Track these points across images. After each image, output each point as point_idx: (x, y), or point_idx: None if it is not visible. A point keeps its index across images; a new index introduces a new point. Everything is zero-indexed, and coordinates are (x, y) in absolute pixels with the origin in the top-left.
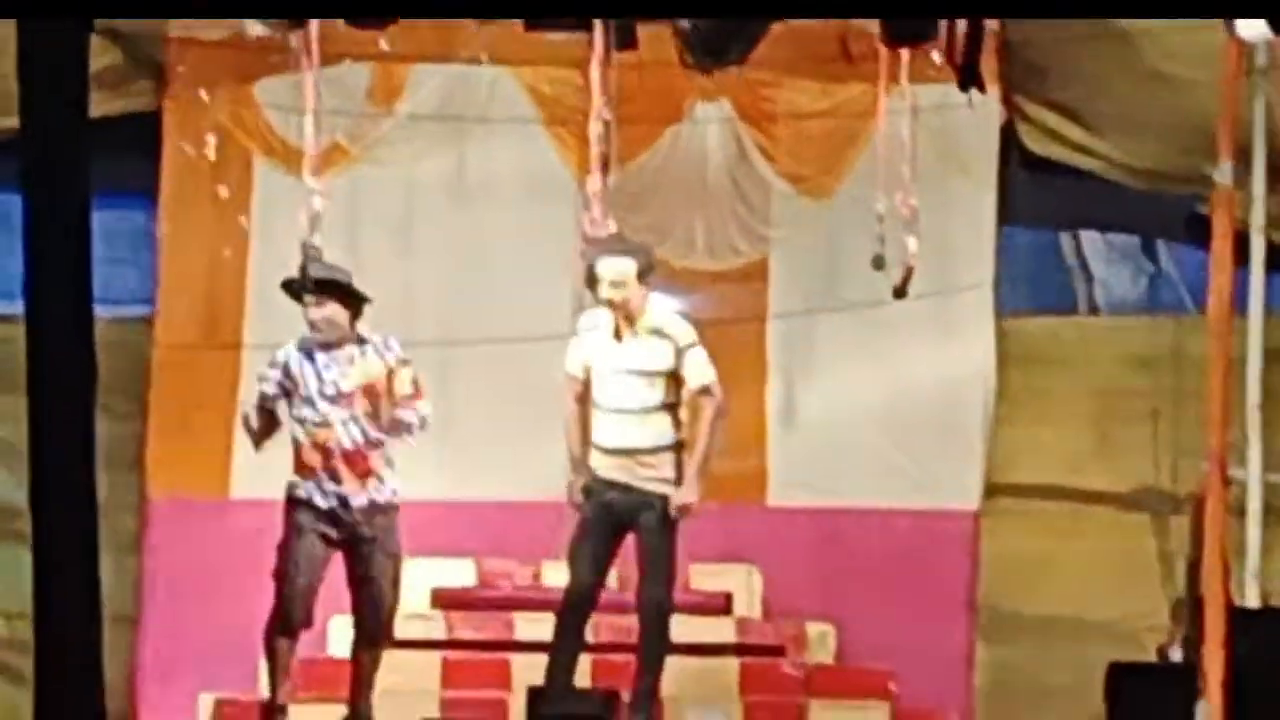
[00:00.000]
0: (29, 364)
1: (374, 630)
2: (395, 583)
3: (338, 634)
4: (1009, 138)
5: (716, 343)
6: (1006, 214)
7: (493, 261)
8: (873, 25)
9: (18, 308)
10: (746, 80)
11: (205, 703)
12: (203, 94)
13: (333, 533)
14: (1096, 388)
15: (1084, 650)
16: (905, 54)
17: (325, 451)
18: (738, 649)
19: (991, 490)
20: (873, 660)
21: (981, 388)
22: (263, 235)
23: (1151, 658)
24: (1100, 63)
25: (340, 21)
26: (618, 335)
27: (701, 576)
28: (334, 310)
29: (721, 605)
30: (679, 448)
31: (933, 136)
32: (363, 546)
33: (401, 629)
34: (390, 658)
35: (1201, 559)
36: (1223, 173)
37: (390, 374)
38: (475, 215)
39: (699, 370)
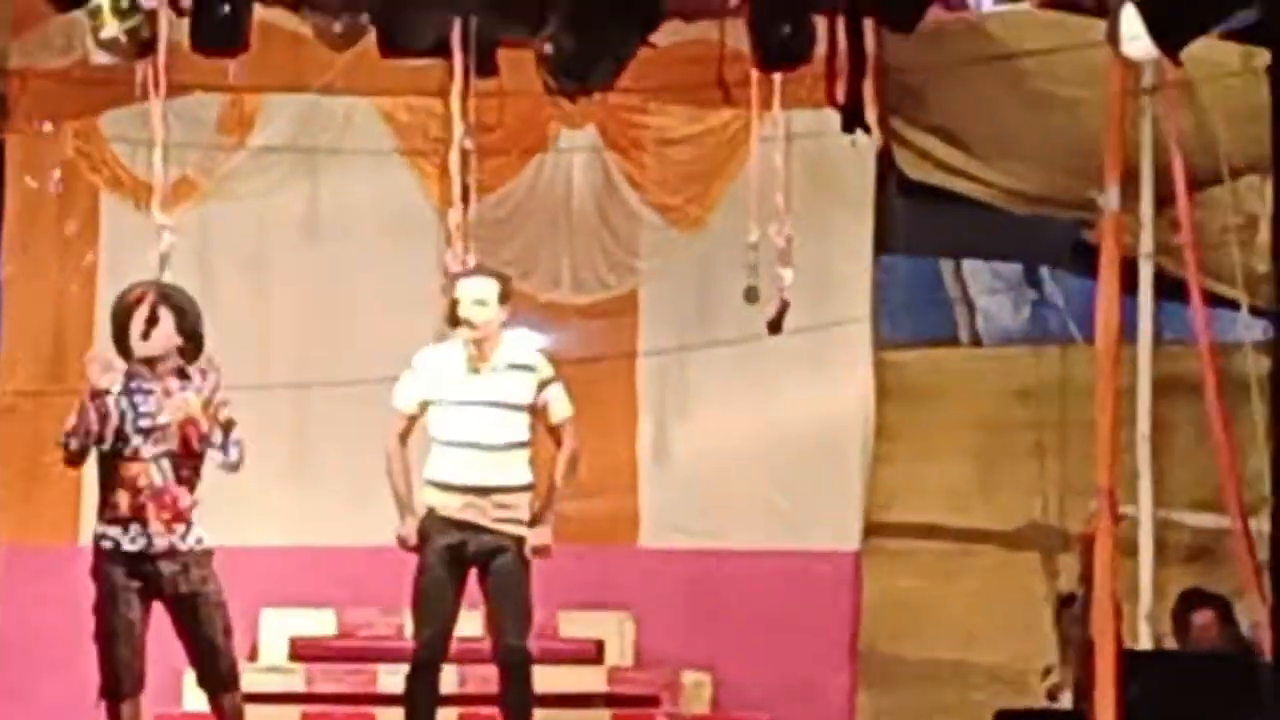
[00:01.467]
0: None
1: (218, 684)
2: (227, 632)
3: (193, 687)
4: (886, 164)
5: (585, 380)
6: (884, 243)
7: (351, 298)
8: (744, 48)
9: None
10: (612, 107)
11: None
12: (47, 126)
13: (148, 586)
14: (980, 421)
15: (970, 695)
16: (778, 78)
17: (134, 489)
18: (609, 699)
19: (871, 530)
20: (751, 709)
21: (860, 423)
22: (111, 273)
23: (1041, 703)
24: (981, 85)
25: (189, 50)
26: (474, 368)
27: (571, 623)
28: (166, 334)
29: (592, 653)
30: (533, 488)
31: (807, 164)
32: (184, 599)
33: (260, 682)
34: (248, 712)
35: (1091, 599)
36: (1109, 197)
37: (206, 408)
38: (332, 250)
39: (560, 405)
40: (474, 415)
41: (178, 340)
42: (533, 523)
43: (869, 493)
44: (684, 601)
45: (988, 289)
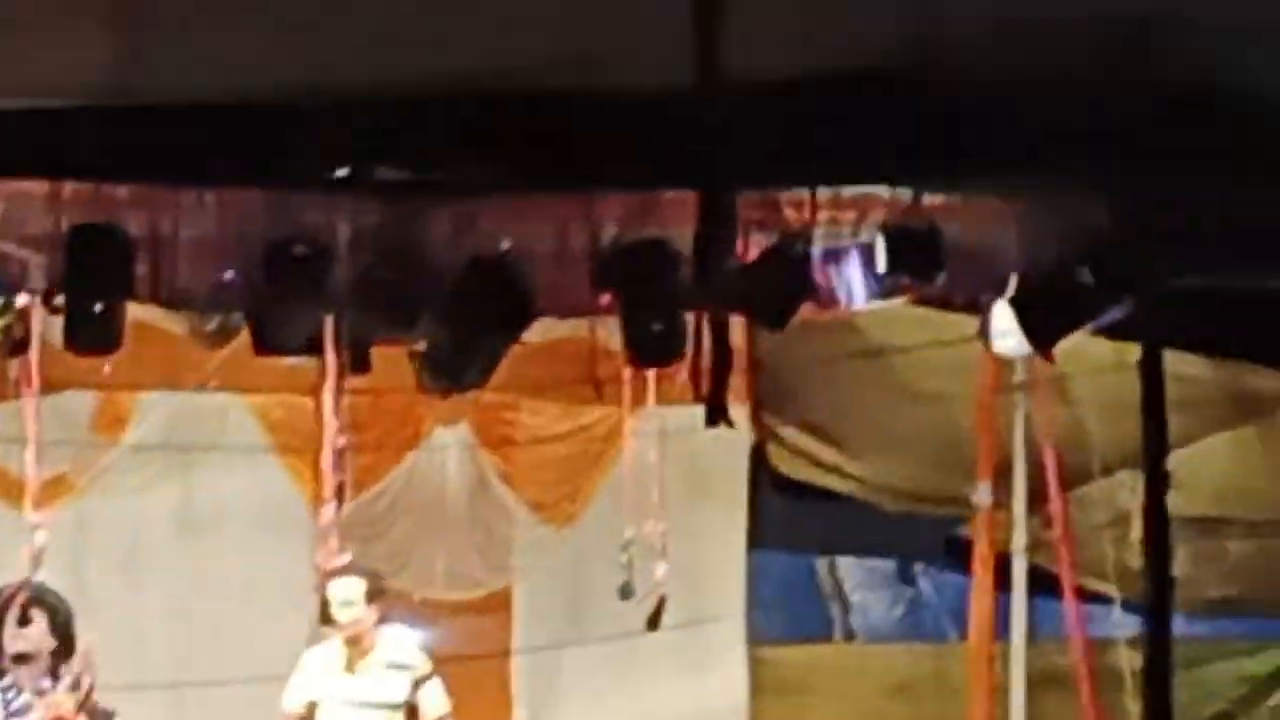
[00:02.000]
0: None
1: None
2: None
3: None
4: (759, 459)
5: (458, 678)
6: (758, 539)
7: (225, 596)
8: (617, 344)
9: None
10: (485, 404)
11: None
12: None
13: None
14: (854, 717)
15: None
16: (651, 374)
17: None
18: None
19: None
20: None
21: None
22: None
23: None
24: (853, 381)
25: (61, 348)
26: (349, 666)
27: None
28: (39, 634)
29: None
30: None
31: (681, 459)
32: None
33: None
34: None
35: None
36: (981, 493)
37: (80, 707)
38: (206, 548)
39: (435, 703)
40: (353, 715)
41: (50, 641)
42: None
43: None
44: None
45: (862, 585)
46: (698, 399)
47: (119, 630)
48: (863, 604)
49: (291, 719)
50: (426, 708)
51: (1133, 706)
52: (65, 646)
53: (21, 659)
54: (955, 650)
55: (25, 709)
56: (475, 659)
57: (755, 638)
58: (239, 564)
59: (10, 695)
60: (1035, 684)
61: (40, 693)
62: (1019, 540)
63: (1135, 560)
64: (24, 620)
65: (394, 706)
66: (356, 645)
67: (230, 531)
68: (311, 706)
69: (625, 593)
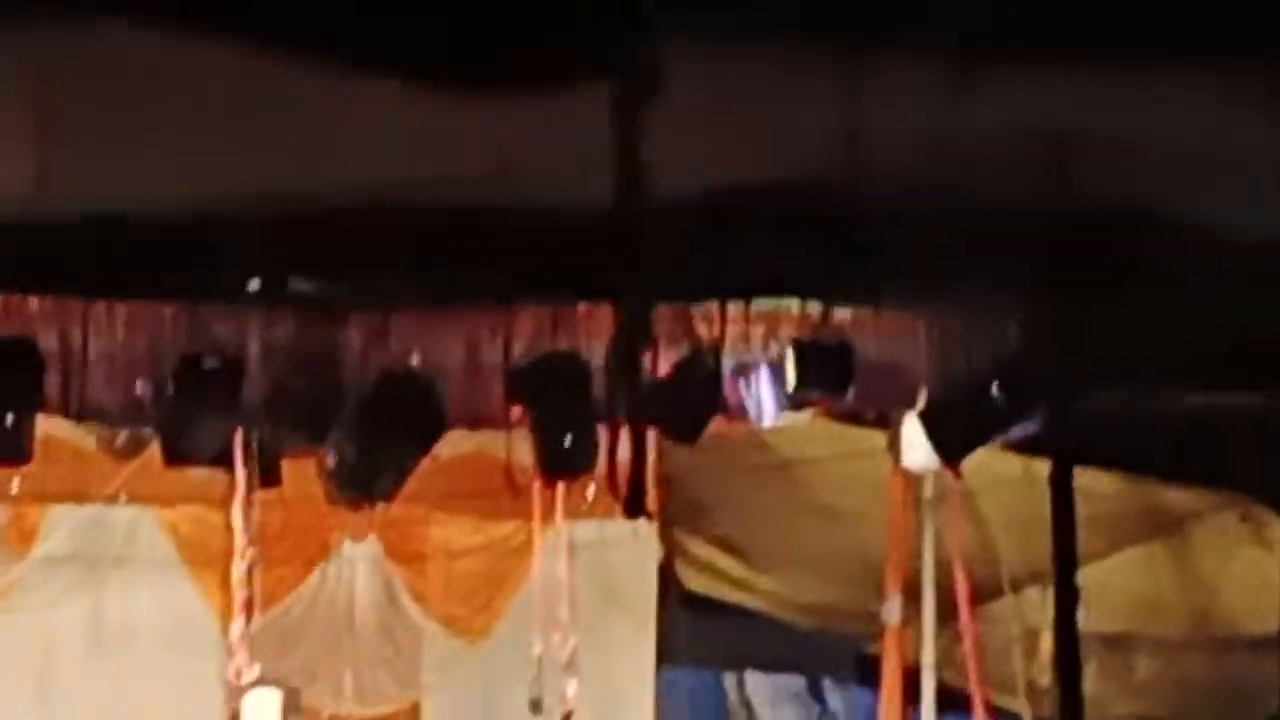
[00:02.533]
0: None
1: None
2: None
3: None
4: (667, 574)
5: None
6: (667, 654)
7: (135, 713)
8: (528, 458)
9: None
10: (395, 517)
11: None
12: None
13: None
14: None
15: None
16: (561, 488)
17: None
18: None
19: None
20: None
21: None
22: None
23: None
24: (762, 495)
25: None
26: None
27: None
28: None
29: None
30: None
31: (590, 573)
32: None
33: None
34: None
35: None
36: (891, 609)
37: None
38: (116, 663)
39: None
40: None
41: None
42: None
43: None
44: None
45: (770, 701)
46: (612, 493)
47: None
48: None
49: None
50: None
51: None
52: None
53: None
54: None
55: None
56: None
57: None
58: (149, 680)
59: None
60: None
61: None
62: (928, 655)
63: (1044, 677)
64: None
65: None
66: None
67: (140, 647)
68: None
69: (535, 708)
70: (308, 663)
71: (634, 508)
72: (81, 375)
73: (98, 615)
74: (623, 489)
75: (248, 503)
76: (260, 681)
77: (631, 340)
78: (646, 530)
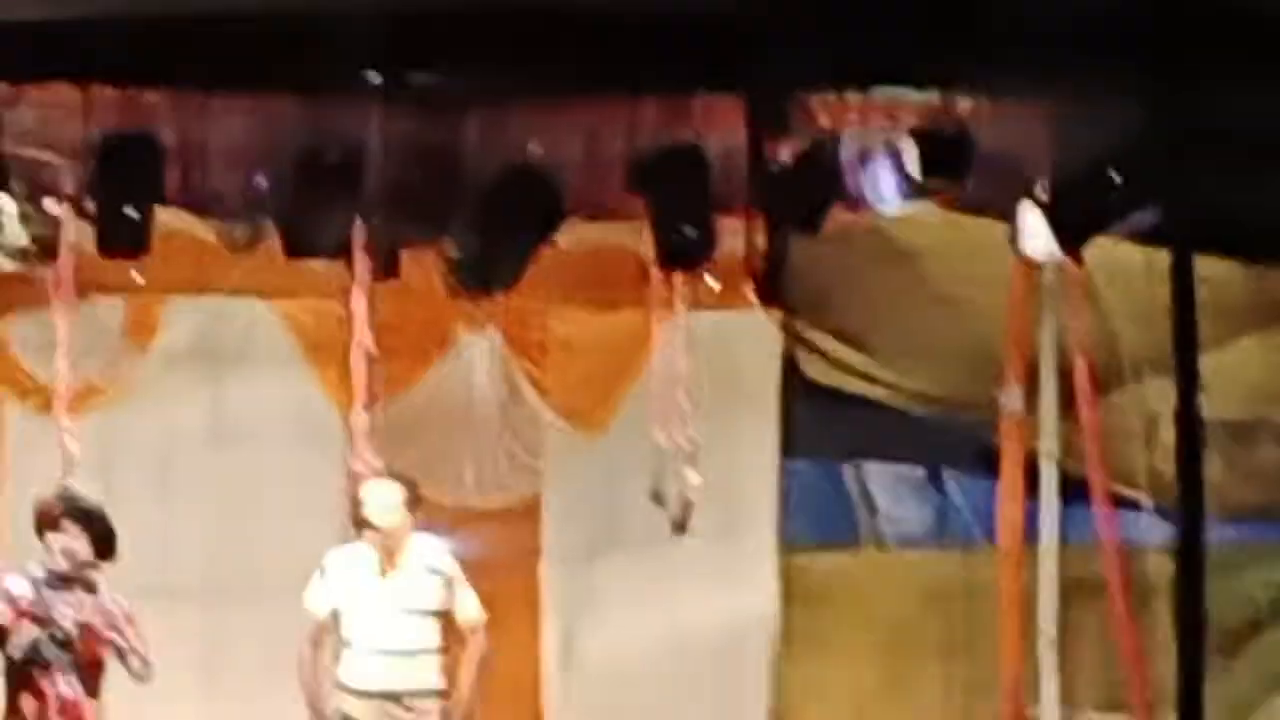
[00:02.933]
0: None
1: None
2: None
3: None
4: (789, 365)
5: (487, 585)
6: (788, 445)
7: (256, 504)
8: (648, 249)
9: None
10: (515, 308)
11: None
12: None
13: None
14: (884, 624)
15: None
16: (680, 279)
17: (41, 698)
18: None
19: None
20: None
21: (766, 627)
22: (16, 478)
23: None
24: (883, 287)
25: (93, 253)
26: (383, 571)
27: None
28: (76, 548)
29: None
30: (444, 694)
31: (711, 365)
32: None
33: None
34: None
35: None
36: (1011, 398)
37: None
38: (236, 456)
39: (469, 607)
40: (384, 620)
41: (88, 554)
42: None
43: (776, 696)
44: None
45: (891, 492)
46: (747, 274)
47: (149, 538)
48: (891, 510)
49: (315, 624)
50: (460, 613)
51: (1165, 613)
52: (103, 556)
53: (60, 574)
54: (985, 556)
55: (63, 622)
56: (504, 565)
57: (785, 544)
58: (269, 471)
59: (49, 608)
60: (1067, 590)
61: (77, 606)
62: (1049, 445)
63: (1166, 465)
64: (58, 529)
65: (429, 613)
66: (389, 551)
67: (260, 440)
68: (336, 611)
69: (657, 499)
70: (428, 455)
71: (766, 296)
72: (201, 168)
73: (217, 408)
74: (750, 279)
75: (367, 295)
76: (380, 474)
77: (758, 130)
78: (768, 321)
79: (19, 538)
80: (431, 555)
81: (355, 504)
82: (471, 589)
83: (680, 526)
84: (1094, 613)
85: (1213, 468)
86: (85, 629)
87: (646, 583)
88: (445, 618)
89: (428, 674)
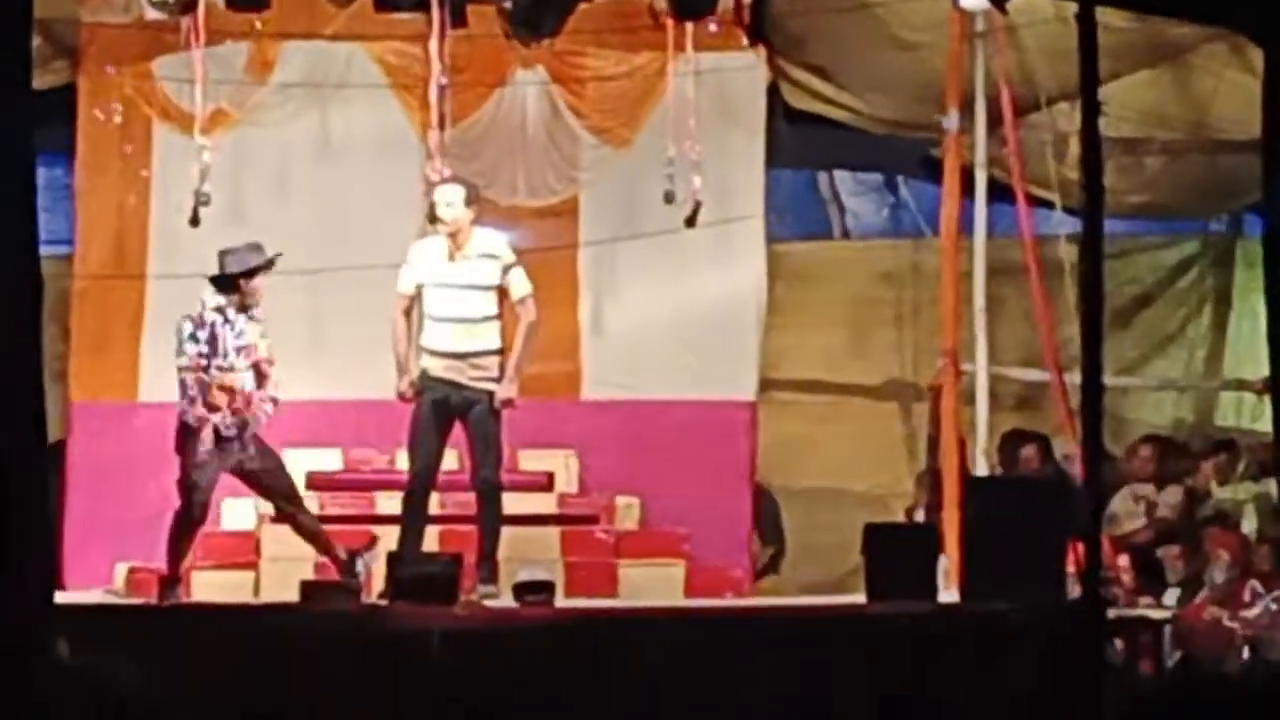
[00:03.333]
0: None
1: (282, 503)
2: (284, 467)
3: (229, 513)
4: (774, 94)
5: (536, 268)
6: (773, 157)
7: (353, 204)
8: (662, 2)
9: None
10: (558, 50)
11: (120, 571)
12: (110, 70)
13: (230, 457)
14: (850, 299)
15: (844, 515)
16: (690, 26)
17: (231, 393)
18: (558, 519)
19: (765, 385)
20: (671, 526)
21: (756, 300)
22: (161, 185)
23: (900, 519)
24: (849, 30)
25: (223, 7)
26: (451, 256)
27: (528, 460)
28: (258, 283)
29: (545, 483)
30: (501, 352)
31: (711, 95)
32: (257, 464)
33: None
34: (273, 531)
35: (940, 438)
36: (950, 120)
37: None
38: (338, 167)
39: (520, 284)
40: (454, 295)
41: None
42: (501, 380)
43: (763, 355)
44: (617, 441)
45: (855, 194)
46: (738, 25)
47: (267, 233)
48: (855, 208)
49: (404, 298)
50: (513, 289)
51: (1070, 289)
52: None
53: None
54: (930, 245)
55: (244, 336)
56: (549, 252)
57: (771, 236)
58: (365, 181)
59: (233, 322)
60: (994, 271)
61: (252, 320)
62: (980, 155)
63: (1072, 173)
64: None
65: (487, 288)
66: (456, 240)
67: (356, 154)
68: (419, 288)
69: (669, 199)
70: (488, 166)
71: (755, 36)
72: None
73: (323, 130)
74: (745, 24)
75: (441, 38)
76: (452, 179)
77: None
78: (758, 59)
79: (163, 236)
80: (490, 244)
81: (430, 204)
82: (522, 269)
83: (689, 222)
84: (1016, 289)
85: (1109, 174)
86: (256, 340)
87: (661, 266)
88: (501, 293)
89: (489, 337)
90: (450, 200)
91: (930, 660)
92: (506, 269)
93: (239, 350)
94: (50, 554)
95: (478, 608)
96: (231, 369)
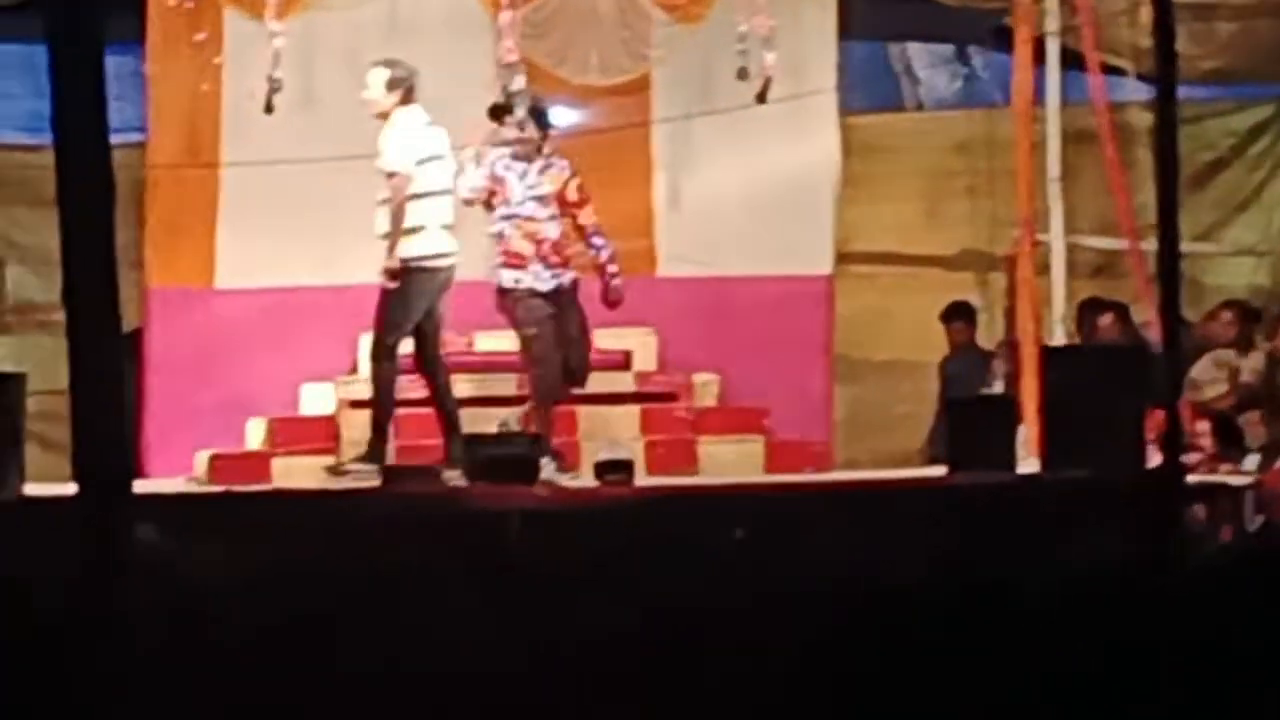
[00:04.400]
0: (60, 184)
1: (580, 372)
2: (588, 331)
3: (308, 398)
4: None
5: (610, 146)
6: (845, 30)
7: (427, 84)
8: None
9: (44, 139)
10: None
11: (201, 458)
12: None
13: (548, 307)
14: (924, 171)
15: (922, 386)
16: None
17: (537, 242)
18: (637, 397)
19: (841, 258)
20: (750, 402)
21: (830, 174)
22: (234, 72)
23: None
24: None
25: None
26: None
27: (605, 338)
28: (530, 132)
29: (622, 362)
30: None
31: None
32: (569, 312)
33: (359, 391)
34: (350, 415)
35: (1016, 308)
36: None
37: (568, 183)
38: (409, 47)
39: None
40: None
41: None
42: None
43: (837, 229)
44: (694, 318)
45: (927, 65)
46: None
47: (343, 116)
48: (928, 79)
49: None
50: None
51: (1145, 156)
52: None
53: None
54: (1003, 114)
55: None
56: (623, 130)
57: (844, 109)
58: (436, 59)
59: (520, 173)
60: (1068, 139)
61: (542, 170)
62: (1052, 24)
63: (1145, 40)
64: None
65: None
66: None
67: (429, 33)
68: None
69: (742, 75)
70: (560, 45)
71: None
72: None
73: (394, 10)
74: None
75: None
76: (521, 61)
77: None
78: None
79: (236, 123)
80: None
81: (503, 88)
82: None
83: (761, 97)
84: (1090, 157)
85: (1181, 41)
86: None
87: (735, 139)
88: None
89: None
90: (370, 83)
91: (1012, 530)
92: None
93: (538, 199)
94: (126, 444)
95: (558, 488)
96: (532, 218)
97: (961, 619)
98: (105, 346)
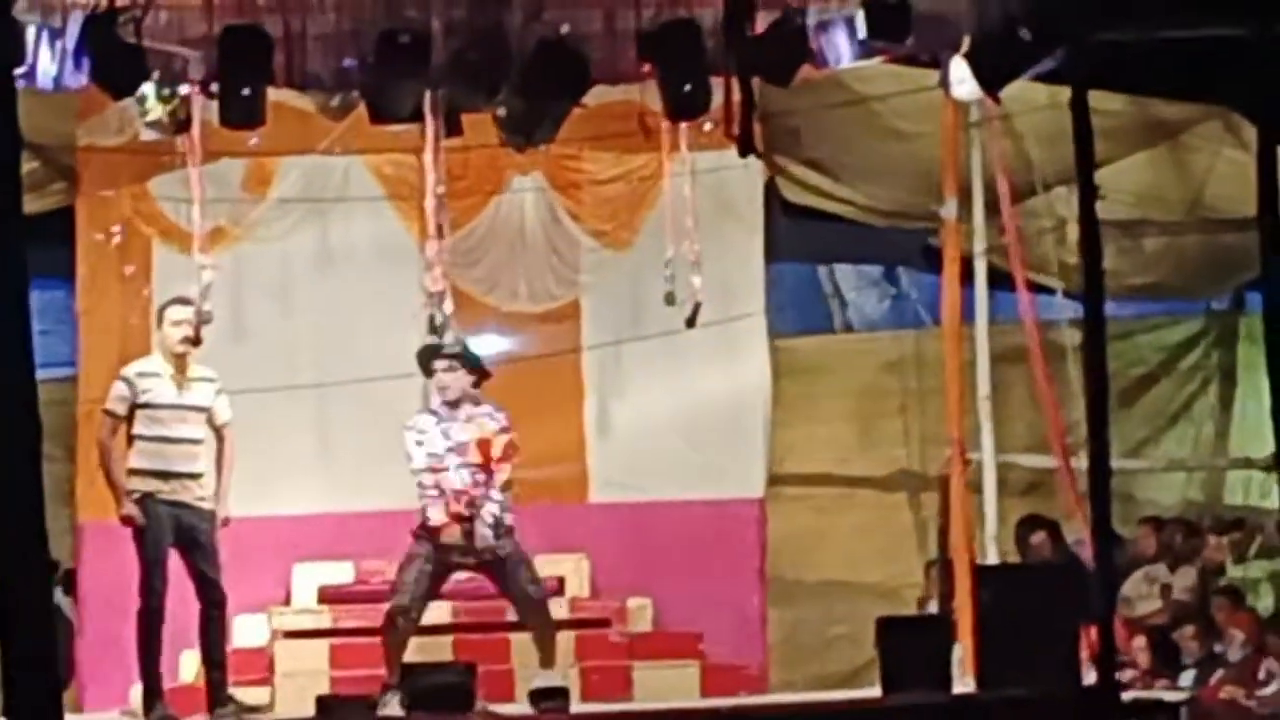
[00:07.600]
0: None
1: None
2: (537, 580)
3: (241, 629)
4: (771, 190)
5: (541, 372)
6: (772, 253)
7: (355, 316)
8: (657, 104)
9: None
10: (554, 155)
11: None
12: (108, 191)
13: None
14: (855, 391)
15: (857, 607)
16: (684, 126)
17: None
18: (572, 623)
19: (774, 480)
20: (684, 626)
21: (761, 397)
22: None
23: (912, 610)
24: (844, 124)
25: (218, 125)
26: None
27: (539, 565)
28: (460, 376)
29: (556, 587)
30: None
31: (709, 193)
32: (501, 565)
33: (293, 622)
34: (285, 647)
35: (949, 527)
36: (948, 209)
37: (495, 436)
38: (339, 279)
39: (226, 410)
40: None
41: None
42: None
43: (770, 451)
44: (627, 543)
45: (855, 287)
46: (729, 137)
47: (272, 346)
48: (857, 301)
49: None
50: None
51: (1075, 373)
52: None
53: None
54: (932, 334)
55: (458, 432)
56: (553, 356)
57: (774, 332)
58: (364, 291)
59: (444, 420)
60: (998, 358)
61: (468, 419)
62: (979, 244)
63: (1071, 258)
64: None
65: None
66: (180, 362)
67: (356, 265)
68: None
69: (669, 300)
70: (489, 273)
71: (744, 145)
72: (301, 53)
73: (323, 242)
74: (735, 126)
75: (437, 149)
76: (449, 290)
77: (737, 5)
78: (754, 157)
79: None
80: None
81: (430, 316)
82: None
83: (690, 322)
84: (1019, 375)
85: (1109, 257)
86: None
87: (665, 364)
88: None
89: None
90: (177, 319)
91: None
92: (218, 393)
93: (451, 448)
94: (58, 678)
95: (493, 717)
96: (442, 467)
97: None
98: (34, 584)
